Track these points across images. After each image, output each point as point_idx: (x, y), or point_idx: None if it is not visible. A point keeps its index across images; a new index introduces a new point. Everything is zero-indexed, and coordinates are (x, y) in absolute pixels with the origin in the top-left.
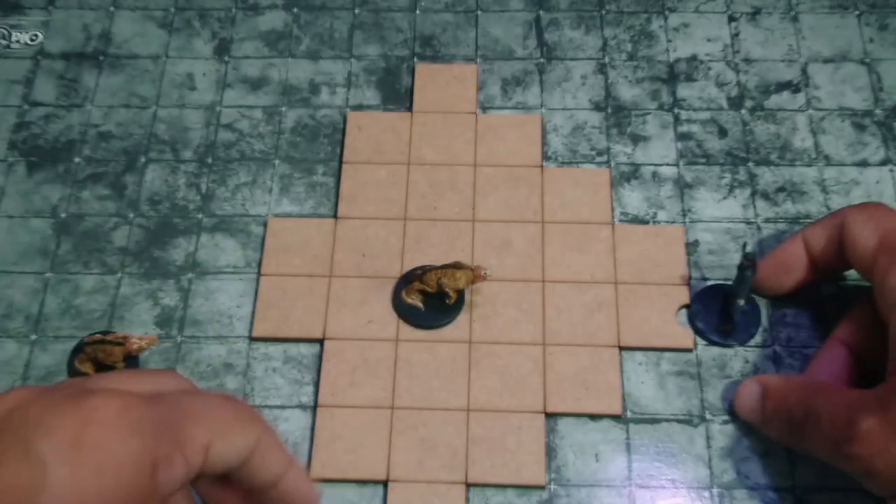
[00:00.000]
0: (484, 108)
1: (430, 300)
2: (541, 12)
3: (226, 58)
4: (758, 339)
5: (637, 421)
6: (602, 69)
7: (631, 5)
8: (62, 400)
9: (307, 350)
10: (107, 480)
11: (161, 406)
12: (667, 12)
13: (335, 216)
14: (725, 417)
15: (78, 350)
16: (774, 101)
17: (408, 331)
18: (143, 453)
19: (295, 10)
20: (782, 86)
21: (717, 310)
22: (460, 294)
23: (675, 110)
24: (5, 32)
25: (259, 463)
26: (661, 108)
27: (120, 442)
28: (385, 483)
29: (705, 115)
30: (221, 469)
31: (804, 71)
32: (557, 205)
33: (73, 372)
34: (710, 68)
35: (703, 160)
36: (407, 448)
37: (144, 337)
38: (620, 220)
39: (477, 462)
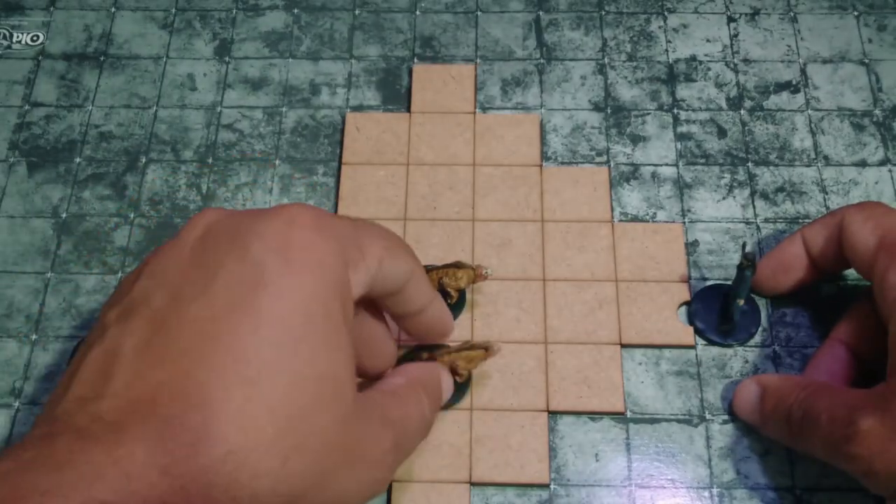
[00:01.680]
0: (484, 109)
1: None
2: (540, 13)
3: (226, 58)
4: (757, 338)
5: (637, 421)
6: (601, 70)
7: (630, 6)
8: (262, 212)
9: None
10: (314, 274)
11: (343, 220)
12: (666, 13)
13: None
14: (725, 417)
15: (78, 350)
16: (773, 101)
17: None
18: (339, 252)
19: (295, 10)
20: (781, 86)
21: (716, 310)
22: (461, 293)
23: (675, 111)
24: (6, 33)
25: (413, 289)
26: (660, 108)
27: (321, 241)
28: (389, 483)
29: (704, 115)
30: (388, 285)
31: (803, 71)
32: (557, 204)
33: None
34: (709, 69)
35: (702, 160)
36: None
37: None
38: (620, 220)
39: (480, 461)
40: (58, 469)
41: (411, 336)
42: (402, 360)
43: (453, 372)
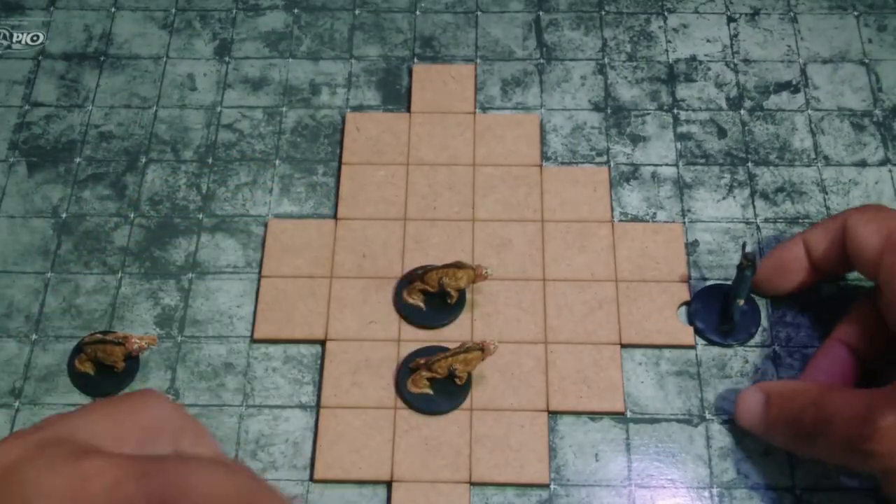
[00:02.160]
0: (484, 109)
1: (431, 300)
2: (540, 13)
3: (226, 58)
4: (757, 338)
5: (637, 421)
6: (601, 70)
7: (630, 6)
8: (60, 462)
9: (307, 350)
10: None
11: (156, 479)
12: (666, 13)
13: (335, 217)
14: (725, 417)
15: (78, 350)
16: (773, 101)
17: (410, 331)
18: None
19: (295, 10)
20: (781, 86)
21: (716, 310)
22: (461, 293)
23: (675, 111)
24: (6, 33)
25: None
26: (660, 108)
27: (120, 488)
28: (389, 483)
29: (704, 115)
30: None
31: (803, 71)
32: (557, 204)
33: (73, 372)
34: (709, 69)
35: (702, 160)
36: (410, 448)
37: (145, 337)
38: (620, 220)
39: (480, 461)
40: None
41: None
42: (404, 366)
43: (452, 375)
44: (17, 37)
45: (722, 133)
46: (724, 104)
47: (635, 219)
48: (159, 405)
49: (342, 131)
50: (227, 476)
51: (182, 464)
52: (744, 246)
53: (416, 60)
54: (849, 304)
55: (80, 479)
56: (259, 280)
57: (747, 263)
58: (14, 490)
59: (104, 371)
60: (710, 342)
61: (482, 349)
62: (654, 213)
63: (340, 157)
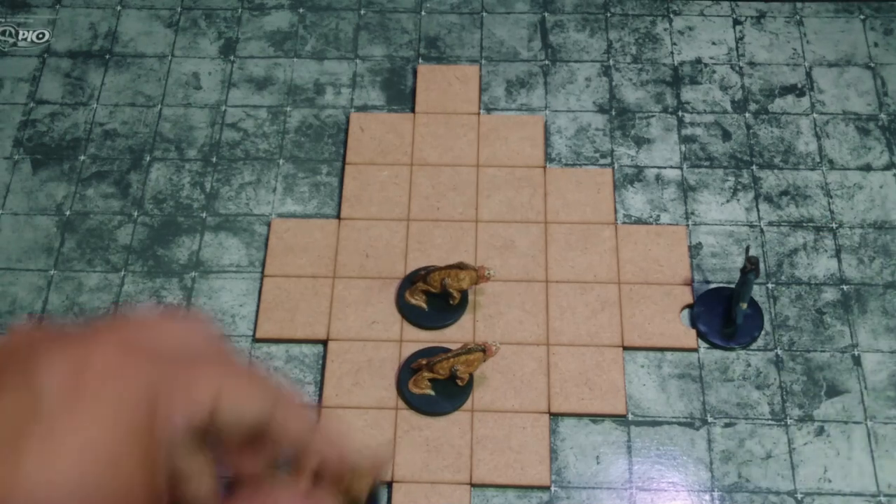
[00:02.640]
0: (488, 110)
1: (433, 300)
2: (546, 14)
3: (231, 57)
4: (760, 342)
5: (638, 423)
6: (606, 72)
7: (636, 8)
8: (70, 340)
9: (309, 349)
10: (98, 429)
11: (166, 365)
12: (672, 15)
13: (338, 217)
14: (727, 420)
15: None
16: (779, 104)
17: (412, 331)
18: (148, 383)
19: (301, 10)
20: (787, 89)
21: (719, 313)
22: (464, 294)
23: (679, 113)
24: (12, 31)
25: (279, 432)
26: (665, 110)
27: (121, 378)
28: (390, 484)
29: (709, 118)
30: (234, 425)
31: (809, 75)
32: (560, 205)
33: None
34: (714, 71)
35: (706, 163)
36: (412, 448)
37: None
38: (624, 222)
39: (482, 462)
40: None
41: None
42: (405, 367)
43: (454, 376)
44: (23, 34)
45: (726, 136)
46: (728, 107)
47: (639, 221)
48: (197, 327)
49: (346, 131)
50: (244, 368)
51: (199, 357)
52: (747, 249)
53: (420, 61)
54: (850, 310)
55: (88, 356)
56: (262, 279)
57: (751, 267)
58: (23, 359)
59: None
60: (713, 345)
61: (484, 350)
62: (658, 216)
63: (344, 157)
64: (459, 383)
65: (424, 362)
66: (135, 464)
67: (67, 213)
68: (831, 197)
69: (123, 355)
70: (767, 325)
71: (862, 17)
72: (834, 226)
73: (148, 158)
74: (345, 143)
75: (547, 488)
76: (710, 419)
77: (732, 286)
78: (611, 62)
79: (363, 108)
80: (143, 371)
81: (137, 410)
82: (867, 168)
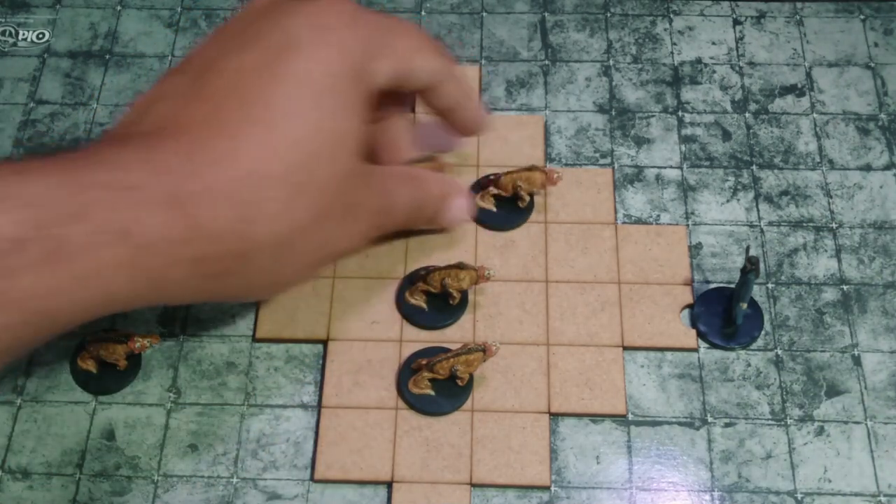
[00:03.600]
0: (488, 110)
1: (433, 300)
2: (546, 14)
3: None
4: (760, 342)
5: (638, 423)
6: (606, 72)
7: (636, 8)
8: (305, 2)
9: (309, 349)
10: (340, 52)
11: (379, 16)
12: (672, 15)
13: None
14: (727, 420)
15: (81, 348)
16: (779, 104)
17: (412, 331)
18: (366, 41)
19: None
20: (787, 89)
21: (719, 313)
22: (464, 294)
23: (679, 113)
24: (12, 30)
25: (446, 89)
26: (665, 110)
27: (349, 28)
28: (389, 484)
29: (709, 118)
30: (417, 81)
31: (808, 75)
32: (560, 205)
33: (75, 370)
34: (714, 71)
35: (706, 163)
36: (411, 449)
37: (147, 336)
38: (624, 222)
39: (481, 463)
40: (92, 167)
41: (454, 130)
42: (405, 367)
43: (454, 376)
44: (23, 34)
45: (727, 136)
46: (728, 107)
47: (639, 221)
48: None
49: None
50: (428, 35)
51: (396, 17)
52: (747, 249)
53: None
54: (851, 310)
55: (323, 6)
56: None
57: (751, 267)
58: (273, 12)
59: (106, 368)
60: (713, 345)
61: (484, 350)
62: (658, 216)
63: None
64: (459, 383)
65: (424, 362)
66: (355, 96)
67: None
68: (831, 197)
69: (349, 14)
70: (767, 325)
71: (862, 17)
72: (834, 226)
73: None
74: None
75: (547, 488)
76: (710, 419)
77: (732, 286)
78: (611, 62)
79: None
80: (362, 26)
81: (358, 55)
82: (867, 168)
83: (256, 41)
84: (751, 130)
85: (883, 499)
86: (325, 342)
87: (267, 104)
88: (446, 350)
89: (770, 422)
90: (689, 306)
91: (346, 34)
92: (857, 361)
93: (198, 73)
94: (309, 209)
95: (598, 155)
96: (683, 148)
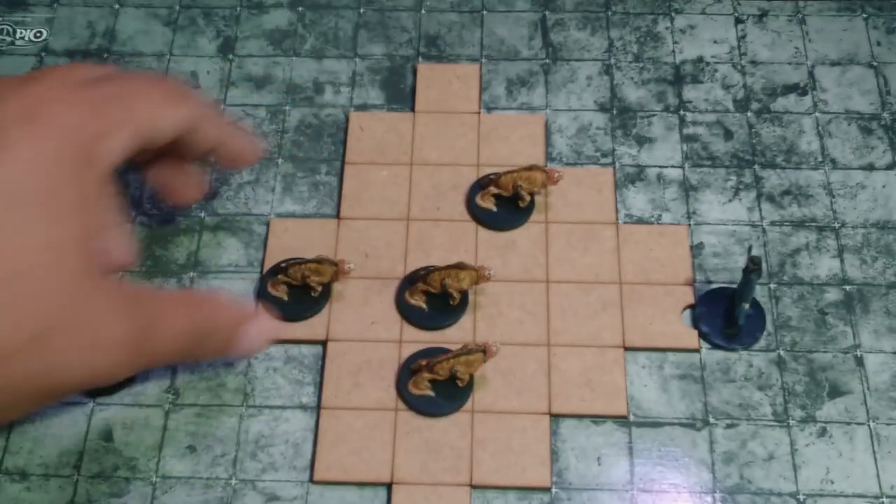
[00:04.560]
0: (489, 109)
1: (433, 301)
2: (546, 13)
3: (230, 56)
4: (762, 343)
5: (640, 424)
6: (608, 70)
7: (637, 6)
8: (17, 82)
9: (308, 350)
10: (53, 142)
11: (108, 84)
12: (673, 14)
13: (338, 217)
14: (729, 421)
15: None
16: (781, 103)
17: (411, 332)
18: (90, 121)
19: (300, 8)
20: (789, 88)
21: (721, 313)
22: (464, 295)
23: (681, 112)
24: (10, 29)
25: (202, 130)
26: (666, 109)
27: (68, 113)
28: (389, 485)
29: (711, 117)
30: (167, 136)
31: (811, 74)
32: (561, 205)
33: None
34: (716, 70)
35: (708, 162)
36: (411, 450)
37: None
38: (625, 222)
39: (481, 464)
40: None
41: (225, 166)
42: (405, 368)
43: (454, 377)
44: (21, 33)
45: (728, 135)
46: (730, 106)
47: (640, 221)
48: (110, 68)
49: (346, 130)
50: (164, 81)
51: (124, 77)
52: (749, 249)
53: (420, 59)
54: (853, 309)
55: (37, 89)
56: (260, 279)
57: (753, 267)
58: None
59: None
60: (715, 346)
61: (484, 351)
62: (660, 215)
63: (344, 156)
64: (459, 384)
65: (424, 363)
66: (77, 191)
67: None
68: (834, 196)
69: (69, 96)
70: (769, 326)
71: (864, 15)
72: (836, 225)
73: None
74: (344, 142)
75: (548, 490)
76: (711, 420)
77: (734, 286)
78: (612, 61)
79: (363, 107)
80: (83, 104)
81: (80, 139)
82: (870, 167)
83: None
84: (753, 130)
85: (886, 500)
86: (324, 343)
87: None
88: (446, 351)
89: (772, 423)
90: (691, 307)
91: (63, 120)
92: (859, 362)
93: None
94: (18, 333)
95: (599, 154)
96: (685, 147)
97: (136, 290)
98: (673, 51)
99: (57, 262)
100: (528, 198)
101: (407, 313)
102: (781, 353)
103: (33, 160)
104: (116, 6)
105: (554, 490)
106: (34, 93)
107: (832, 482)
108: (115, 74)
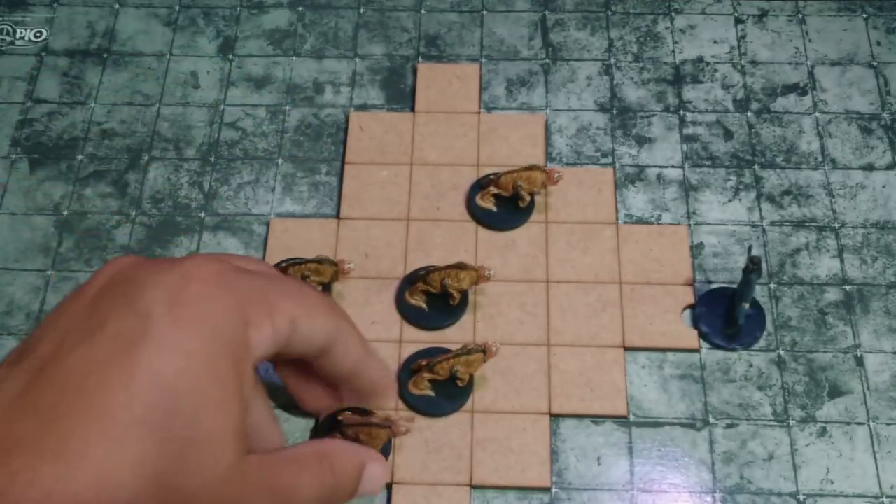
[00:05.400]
0: (489, 109)
1: (433, 301)
2: (546, 13)
3: (230, 56)
4: (762, 342)
5: (640, 424)
6: (608, 70)
7: (637, 6)
8: (165, 263)
9: None
10: (203, 332)
11: (254, 276)
12: (673, 14)
13: (338, 217)
14: (729, 421)
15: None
16: (781, 103)
17: (411, 332)
18: (237, 310)
19: (300, 8)
20: (789, 88)
21: (721, 313)
22: (464, 295)
23: (681, 112)
24: (10, 29)
25: (340, 352)
26: (666, 109)
27: (217, 299)
28: (389, 485)
29: (711, 117)
30: (305, 347)
31: (811, 74)
32: (561, 205)
33: None
34: (716, 70)
35: (708, 162)
36: (411, 450)
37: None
38: (625, 222)
39: (481, 464)
40: None
41: (350, 400)
42: (405, 368)
43: (454, 377)
44: (21, 33)
45: (728, 135)
46: (730, 106)
47: (640, 221)
48: (264, 263)
49: (346, 130)
50: (316, 290)
51: (276, 274)
52: (749, 249)
53: (420, 59)
54: (853, 310)
55: (186, 270)
56: None
57: (753, 267)
58: (124, 284)
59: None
60: (715, 346)
61: (484, 351)
62: (660, 215)
63: (344, 156)
64: (459, 384)
65: (424, 363)
66: (228, 381)
67: (65, 212)
68: (833, 196)
69: (216, 281)
70: (769, 326)
71: (864, 16)
72: (836, 225)
73: (146, 158)
74: (344, 142)
75: (548, 490)
76: (711, 420)
77: (734, 286)
78: (612, 61)
79: (363, 107)
80: (230, 293)
81: (229, 329)
82: (870, 167)
83: (103, 329)
84: (753, 130)
85: (885, 500)
86: None
87: (108, 415)
88: (446, 351)
89: (772, 423)
90: (691, 307)
91: (210, 308)
92: (859, 362)
93: (35, 374)
94: None
95: (599, 154)
96: (685, 147)
97: (270, 460)
98: (673, 51)
99: (208, 456)
100: (528, 198)
101: (407, 313)
102: (781, 353)
103: (177, 353)
104: (116, 6)
105: (554, 490)
106: (180, 277)
107: (832, 482)
108: (266, 270)
